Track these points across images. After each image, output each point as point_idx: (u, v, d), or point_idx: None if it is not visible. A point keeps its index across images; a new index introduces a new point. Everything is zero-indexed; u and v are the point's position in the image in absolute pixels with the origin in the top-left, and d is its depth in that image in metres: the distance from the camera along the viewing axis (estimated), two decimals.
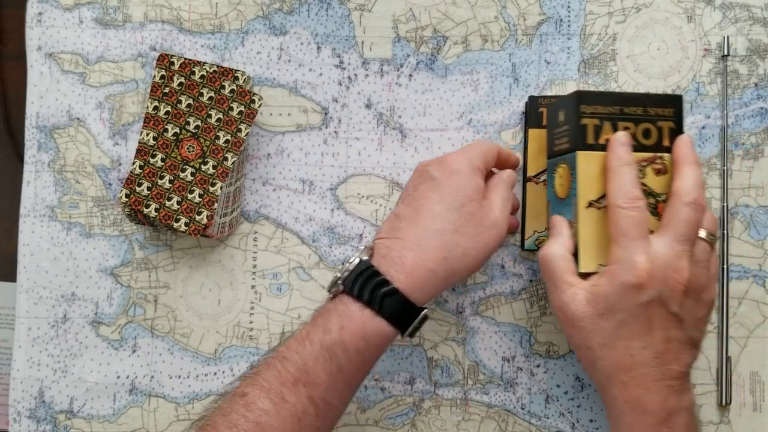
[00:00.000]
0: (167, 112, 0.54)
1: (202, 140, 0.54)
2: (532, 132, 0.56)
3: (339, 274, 0.47)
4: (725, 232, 0.58)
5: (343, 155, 0.59)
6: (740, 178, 0.58)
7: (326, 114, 0.59)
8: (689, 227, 0.46)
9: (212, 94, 0.55)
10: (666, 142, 0.50)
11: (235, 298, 0.59)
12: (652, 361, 0.45)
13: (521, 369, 0.58)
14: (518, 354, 0.58)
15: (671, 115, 0.51)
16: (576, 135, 0.50)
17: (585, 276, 0.48)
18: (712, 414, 0.58)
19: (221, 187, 0.54)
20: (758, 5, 0.59)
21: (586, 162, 0.50)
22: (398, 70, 0.59)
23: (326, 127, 0.59)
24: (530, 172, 0.57)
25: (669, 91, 0.59)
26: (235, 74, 0.55)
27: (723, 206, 0.58)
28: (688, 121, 0.59)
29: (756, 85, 0.59)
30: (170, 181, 0.54)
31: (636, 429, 0.46)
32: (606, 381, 0.47)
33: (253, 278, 0.59)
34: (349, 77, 0.59)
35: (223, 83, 0.55)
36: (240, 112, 0.55)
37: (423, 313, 0.47)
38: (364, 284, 0.46)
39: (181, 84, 0.54)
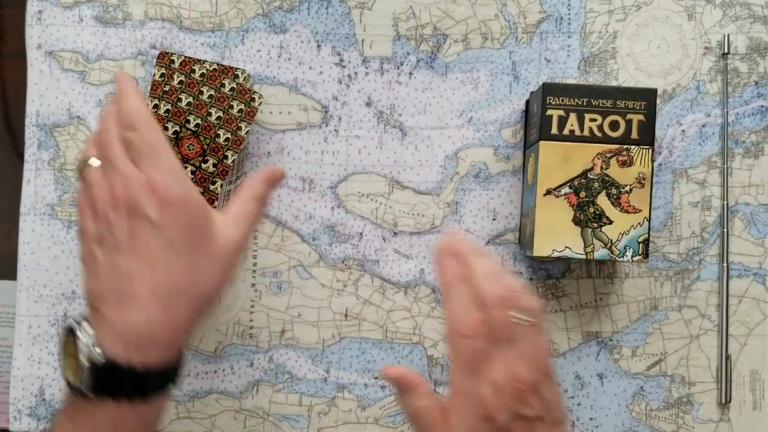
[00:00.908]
0: (167, 111, 0.54)
1: (202, 138, 0.54)
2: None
3: None
4: (725, 230, 0.58)
5: (343, 153, 0.59)
6: (741, 176, 0.58)
7: (326, 112, 0.59)
8: (505, 327, 0.41)
9: (212, 92, 0.55)
10: (634, 135, 0.52)
11: (235, 296, 0.59)
12: None
13: None
14: None
15: (642, 108, 0.52)
16: (541, 125, 0.52)
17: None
18: (712, 412, 0.58)
19: (221, 185, 0.54)
20: (758, 3, 0.59)
21: (548, 151, 0.52)
22: (398, 68, 0.59)
23: (326, 126, 0.59)
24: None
25: (669, 90, 0.59)
26: (236, 72, 0.55)
27: (723, 204, 0.58)
28: (689, 119, 0.59)
29: (756, 83, 0.59)
30: None
31: None
32: None
33: (254, 276, 0.59)
34: (349, 75, 0.59)
35: (223, 81, 0.55)
36: (240, 111, 0.55)
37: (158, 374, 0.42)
38: (102, 377, 0.41)
39: (181, 82, 0.54)
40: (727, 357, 0.58)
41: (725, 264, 0.58)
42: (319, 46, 0.59)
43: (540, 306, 0.42)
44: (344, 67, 0.59)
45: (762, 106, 0.59)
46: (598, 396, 0.58)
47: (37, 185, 0.59)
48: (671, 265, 0.58)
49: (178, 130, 0.54)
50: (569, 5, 0.59)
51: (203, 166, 0.54)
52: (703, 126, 0.59)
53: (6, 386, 0.60)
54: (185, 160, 0.54)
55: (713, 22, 0.59)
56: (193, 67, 0.55)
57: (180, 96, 0.54)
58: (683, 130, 0.59)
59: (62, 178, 0.59)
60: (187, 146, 0.54)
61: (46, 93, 0.59)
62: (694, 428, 0.58)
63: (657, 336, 0.58)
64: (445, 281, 0.43)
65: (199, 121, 0.54)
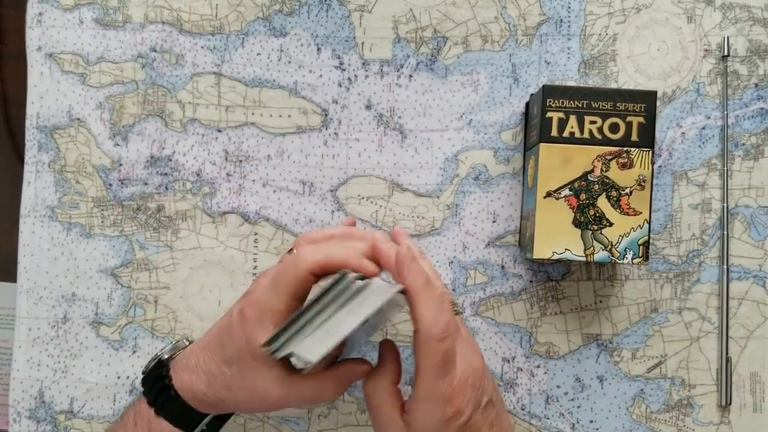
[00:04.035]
0: None
1: None
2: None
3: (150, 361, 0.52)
4: (725, 232, 0.58)
5: (343, 156, 0.59)
6: (740, 178, 0.58)
7: (326, 115, 0.59)
8: (445, 329, 0.43)
9: None
10: (634, 137, 0.52)
11: (236, 299, 0.59)
12: None
13: (521, 369, 0.58)
14: (518, 354, 0.58)
15: (642, 111, 0.52)
16: (541, 127, 0.52)
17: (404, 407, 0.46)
18: (712, 415, 0.58)
19: None
20: (758, 6, 0.59)
21: (548, 153, 0.52)
22: (398, 70, 0.59)
23: (326, 129, 0.59)
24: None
25: (669, 92, 0.59)
26: None
27: (723, 207, 0.58)
28: (688, 121, 0.59)
29: (756, 85, 0.59)
30: None
31: None
32: None
33: (254, 279, 0.59)
34: (349, 78, 0.59)
35: None
36: None
37: (209, 416, 0.49)
38: (153, 384, 0.49)
39: None
40: (728, 359, 0.58)
41: (725, 266, 0.58)
42: (318, 49, 0.59)
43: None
44: (344, 70, 0.59)
45: (762, 109, 0.59)
46: (598, 398, 0.58)
47: (37, 187, 0.59)
48: (671, 267, 0.58)
49: None
50: (569, 8, 0.59)
51: None
52: (703, 128, 0.59)
53: (5, 388, 0.60)
54: None
55: (713, 24, 0.59)
56: None
57: None
58: (683, 133, 0.59)
59: (62, 180, 0.59)
60: None
61: (46, 95, 0.59)
62: (695, 431, 0.58)
63: (657, 338, 0.58)
64: (412, 288, 0.44)
65: None
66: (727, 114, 0.58)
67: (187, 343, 0.53)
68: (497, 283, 0.59)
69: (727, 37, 0.59)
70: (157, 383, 0.49)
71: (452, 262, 0.59)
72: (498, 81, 0.59)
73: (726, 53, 0.58)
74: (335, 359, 0.50)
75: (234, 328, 0.46)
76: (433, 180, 0.59)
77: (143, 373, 0.51)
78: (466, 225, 0.59)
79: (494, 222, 0.59)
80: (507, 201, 0.59)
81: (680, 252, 0.58)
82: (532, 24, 0.59)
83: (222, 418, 0.51)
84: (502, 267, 0.59)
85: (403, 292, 0.44)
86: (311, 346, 0.43)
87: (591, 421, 0.58)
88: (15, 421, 0.58)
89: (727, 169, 0.58)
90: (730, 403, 0.58)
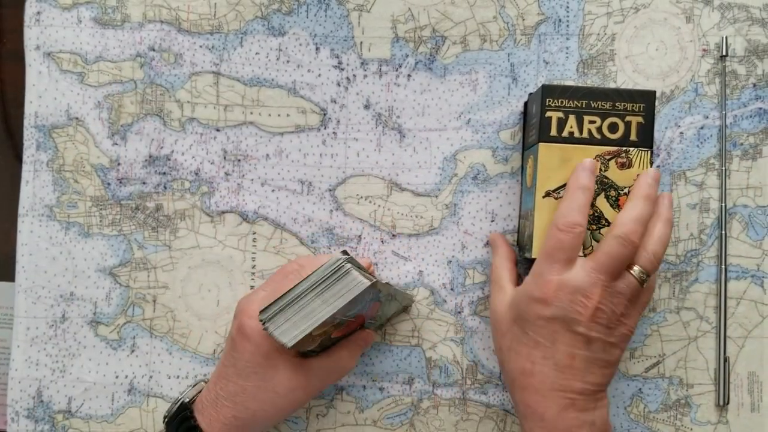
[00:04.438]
0: None
1: None
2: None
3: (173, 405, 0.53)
4: (723, 232, 0.58)
5: (341, 156, 0.59)
6: (739, 178, 0.59)
7: (325, 115, 0.59)
8: (611, 259, 0.47)
9: None
10: (633, 137, 0.52)
11: (234, 298, 0.59)
12: (552, 372, 0.47)
13: None
14: None
15: (641, 111, 0.52)
16: (540, 127, 0.52)
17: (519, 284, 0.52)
18: (710, 414, 0.58)
19: None
20: (757, 6, 0.59)
21: (547, 153, 0.52)
22: (397, 70, 0.59)
23: (325, 128, 0.59)
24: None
25: (667, 92, 0.59)
26: None
27: (721, 206, 0.58)
28: (687, 121, 0.59)
29: (754, 85, 0.59)
30: None
31: None
32: (510, 383, 0.50)
33: (252, 279, 0.59)
34: (347, 78, 0.59)
35: None
36: None
37: None
38: (178, 427, 0.50)
39: None
40: (725, 359, 0.58)
41: (723, 266, 0.58)
42: (317, 48, 0.59)
43: (654, 278, 0.50)
44: (343, 69, 0.59)
45: (760, 109, 0.59)
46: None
47: (36, 186, 0.59)
48: (669, 267, 0.58)
49: None
50: (568, 7, 0.59)
51: None
52: (701, 128, 0.59)
53: (3, 388, 0.60)
54: None
55: (711, 24, 0.59)
56: None
57: None
58: (681, 132, 0.59)
59: (61, 179, 0.59)
60: None
61: (44, 94, 0.59)
62: (692, 430, 0.58)
63: (655, 338, 0.58)
64: (570, 185, 0.50)
65: None
66: (725, 114, 0.58)
67: (204, 384, 0.53)
68: None
69: (726, 37, 0.59)
70: (183, 425, 0.50)
71: (451, 261, 0.59)
72: (496, 80, 0.59)
73: (724, 53, 0.58)
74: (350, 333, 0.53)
75: (237, 342, 0.49)
76: (431, 179, 0.59)
77: (165, 417, 0.52)
78: (465, 224, 0.59)
79: (493, 221, 0.59)
80: (505, 200, 0.59)
81: (678, 252, 0.58)
82: (530, 23, 0.59)
83: None
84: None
85: (374, 285, 0.46)
86: (288, 330, 0.46)
87: None
88: (13, 420, 0.58)
89: (725, 169, 0.58)
90: (727, 403, 0.58)
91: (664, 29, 0.59)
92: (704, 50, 0.59)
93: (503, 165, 0.59)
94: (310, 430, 0.58)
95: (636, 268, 0.48)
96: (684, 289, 0.58)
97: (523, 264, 0.59)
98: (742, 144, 0.59)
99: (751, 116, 0.59)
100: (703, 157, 0.59)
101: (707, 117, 0.59)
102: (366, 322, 0.54)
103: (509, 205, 0.59)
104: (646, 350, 0.58)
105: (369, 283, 0.45)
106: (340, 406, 0.59)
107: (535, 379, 0.48)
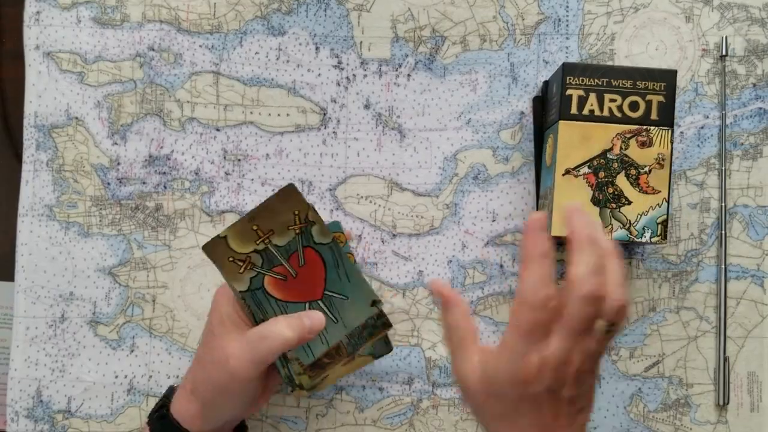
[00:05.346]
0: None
1: None
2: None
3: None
4: (723, 232, 0.58)
5: (341, 156, 0.59)
6: (739, 178, 0.59)
7: (325, 114, 0.59)
8: (583, 323, 0.43)
9: None
10: (654, 116, 0.52)
11: None
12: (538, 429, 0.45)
13: None
14: None
15: (662, 90, 0.52)
16: (561, 105, 0.52)
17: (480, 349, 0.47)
18: (709, 414, 0.58)
19: None
20: (756, 5, 0.59)
21: (567, 131, 0.52)
22: (397, 70, 0.59)
23: (325, 128, 0.59)
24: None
25: None
26: None
27: (721, 206, 0.58)
28: (687, 120, 0.59)
29: (754, 85, 0.59)
30: None
31: None
32: None
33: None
34: (347, 77, 0.59)
35: None
36: None
37: None
38: (155, 410, 0.52)
39: None
40: (725, 359, 0.58)
41: (723, 266, 0.58)
42: (317, 48, 0.59)
43: (624, 321, 0.44)
44: (342, 69, 0.59)
45: (760, 108, 0.59)
46: (596, 397, 0.58)
47: (35, 186, 0.59)
48: (669, 266, 0.58)
49: None
50: (567, 7, 0.59)
51: None
52: (702, 128, 0.59)
53: (3, 388, 0.60)
54: None
55: (711, 24, 0.59)
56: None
57: None
58: (682, 132, 0.59)
59: (60, 179, 0.59)
60: None
61: (44, 94, 0.59)
62: (692, 430, 0.58)
63: (655, 337, 0.58)
64: (528, 253, 0.44)
65: None
66: (725, 113, 0.58)
67: None
68: (496, 282, 0.59)
69: (725, 37, 0.59)
70: (156, 414, 0.51)
71: (451, 261, 0.59)
72: (496, 80, 0.59)
73: (724, 53, 0.58)
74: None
75: (208, 322, 0.52)
76: (432, 179, 0.59)
77: (148, 416, 0.53)
78: (465, 224, 0.59)
79: (493, 221, 0.59)
80: (506, 200, 0.59)
81: (679, 251, 0.58)
82: (530, 23, 0.59)
83: None
84: (501, 266, 0.59)
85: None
86: None
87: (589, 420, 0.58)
88: (13, 420, 0.58)
89: (725, 169, 0.58)
90: (727, 403, 0.58)
91: (663, 29, 0.59)
92: (704, 50, 0.59)
93: (504, 165, 0.59)
94: (309, 430, 0.58)
95: (600, 323, 0.44)
96: (684, 289, 0.58)
97: None
98: (742, 144, 0.59)
99: (751, 116, 0.59)
100: (703, 156, 0.59)
101: (707, 117, 0.59)
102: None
103: (510, 204, 0.59)
104: (646, 350, 0.58)
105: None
106: (339, 406, 0.59)
107: None
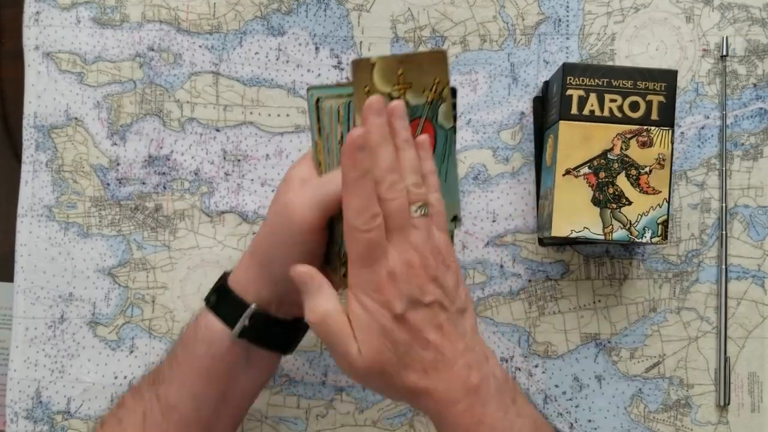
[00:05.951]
0: None
1: None
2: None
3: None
4: (724, 232, 0.58)
5: None
6: (739, 178, 0.58)
7: None
8: (400, 219, 0.42)
9: None
10: (654, 116, 0.52)
11: None
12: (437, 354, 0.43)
13: (520, 369, 0.58)
14: (516, 354, 0.58)
15: (662, 90, 0.52)
16: (561, 105, 0.52)
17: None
18: (710, 415, 0.58)
19: None
20: (757, 6, 0.59)
21: (568, 131, 0.52)
22: None
23: None
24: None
25: None
26: None
27: (722, 207, 0.58)
28: (687, 121, 0.59)
29: (755, 85, 0.59)
30: None
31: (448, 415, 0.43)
32: (412, 395, 0.44)
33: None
34: (347, 78, 0.59)
35: None
36: None
37: (251, 308, 0.47)
38: (213, 291, 0.49)
39: None
40: (726, 359, 0.58)
41: (724, 266, 0.58)
42: (317, 48, 0.59)
43: (438, 201, 0.44)
44: (342, 69, 0.59)
45: (761, 109, 0.59)
46: (596, 398, 0.58)
47: (35, 187, 0.59)
48: (670, 267, 0.58)
49: None
50: (568, 7, 0.59)
51: None
52: (702, 128, 0.59)
53: (2, 389, 0.60)
54: None
55: (711, 24, 0.59)
56: None
57: None
58: (682, 132, 0.59)
59: (60, 179, 0.59)
60: None
61: (43, 94, 0.59)
62: (693, 430, 0.58)
63: (655, 338, 0.58)
64: (346, 178, 0.42)
65: None
66: (725, 114, 0.58)
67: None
68: (496, 283, 0.59)
69: (726, 37, 0.59)
70: (216, 285, 0.49)
71: None
72: (497, 80, 0.59)
73: (724, 53, 0.58)
74: None
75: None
76: None
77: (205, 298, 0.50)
78: (466, 224, 0.59)
79: (494, 221, 0.59)
80: (506, 200, 0.59)
81: (679, 252, 0.58)
82: (530, 23, 0.59)
83: (260, 332, 0.48)
84: (501, 266, 0.59)
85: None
86: None
87: (589, 421, 0.58)
88: (12, 421, 0.58)
89: (725, 169, 0.58)
90: (728, 403, 0.58)
91: (664, 29, 0.59)
92: (704, 50, 0.59)
93: (504, 165, 0.59)
94: (309, 431, 0.58)
95: (413, 209, 0.43)
96: (684, 290, 0.58)
97: (524, 264, 0.59)
98: (742, 144, 0.59)
99: (751, 116, 0.59)
100: (703, 157, 0.59)
101: (708, 117, 0.59)
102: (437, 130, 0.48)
103: (510, 204, 0.59)
104: (647, 350, 0.58)
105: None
106: (339, 406, 0.58)
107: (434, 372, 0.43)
